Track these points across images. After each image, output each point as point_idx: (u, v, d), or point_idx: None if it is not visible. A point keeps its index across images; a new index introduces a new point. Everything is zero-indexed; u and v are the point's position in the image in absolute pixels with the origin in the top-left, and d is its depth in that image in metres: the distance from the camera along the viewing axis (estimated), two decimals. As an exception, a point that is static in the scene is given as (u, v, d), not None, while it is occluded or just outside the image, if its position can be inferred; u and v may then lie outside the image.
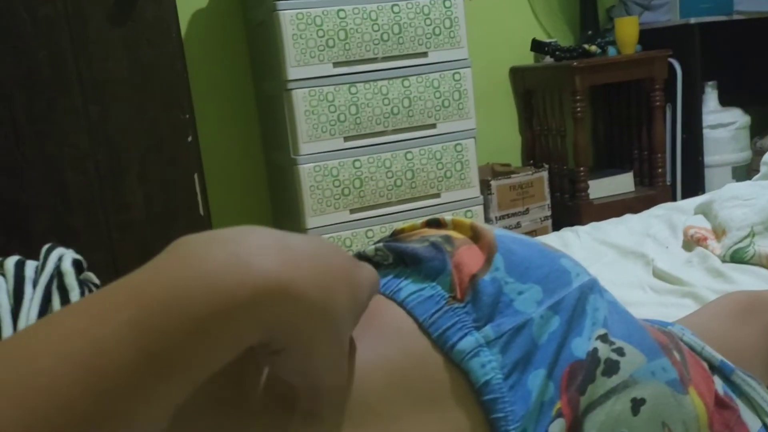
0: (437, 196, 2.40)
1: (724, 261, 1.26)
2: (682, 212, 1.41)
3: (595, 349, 0.51)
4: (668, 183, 2.93)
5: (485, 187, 2.61)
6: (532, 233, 2.75)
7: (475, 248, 0.54)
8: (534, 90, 3.03)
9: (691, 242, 1.30)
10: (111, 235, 2.05)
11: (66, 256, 0.56)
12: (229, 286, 0.31)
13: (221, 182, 2.66)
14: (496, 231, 0.56)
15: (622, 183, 2.94)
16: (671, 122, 2.93)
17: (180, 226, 2.12)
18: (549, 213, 2.80)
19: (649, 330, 0.58)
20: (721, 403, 0.59)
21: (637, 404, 0.50)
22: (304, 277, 0.34)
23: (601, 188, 2.88)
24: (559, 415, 0.48)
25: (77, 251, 1.99)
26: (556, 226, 2.82)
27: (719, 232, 1.32)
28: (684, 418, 0.53)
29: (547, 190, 2.78)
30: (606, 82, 2.87)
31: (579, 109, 2.70)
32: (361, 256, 0.57)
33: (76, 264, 0.57)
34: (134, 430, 0.30)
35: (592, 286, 0.56)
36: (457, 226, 0.58)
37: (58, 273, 0.53)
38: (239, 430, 0.39)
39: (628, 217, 1.45)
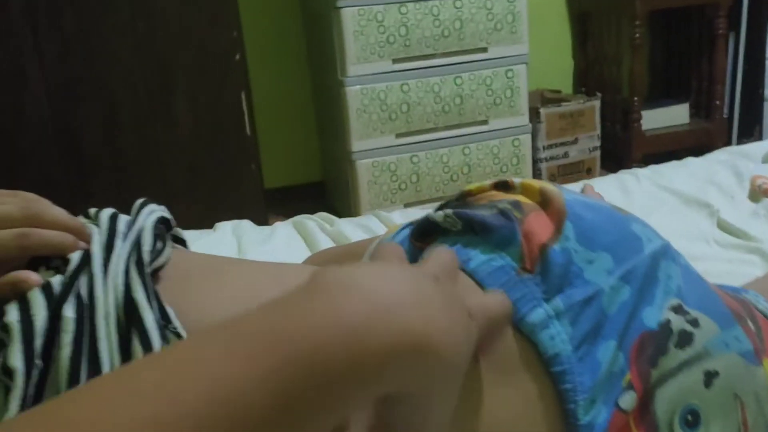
0: (485, 123, 2.36)
1: (794, 216, 1.20)
2: (748, 158, 1.35)
3: (668, 320, 0.50)
4: (725, 116, 2.83)
5: (534, 114, 2.54)
6: (580, 164, 2.69)
7: (544, 215, 0.52)
8: (590, 13, 2.90)
9: (758, 193, 1.25)
10: (159, 154, 2.07)
11: (154, 213, 0.57)
12: (371, 344, 0.32)
13: (268, 101, 2.64)
14: (565, 195, 0.54)
15: (677, 114, 2.85)
16: (733, 52, 2.81)
17: (227, 145, 2.12)
18: (598, 143, 2.72)
19: (722, 297, 0.56)
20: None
21: (710, 377, 0.49)
22: (441, 333, 0.34)
23: (654, 119, 2.79)
24: (630, 387, 0.47)
25: (127, 169, 2.00)
26: (605, 157, 2.75)
27: (789, 185, 1.26)
28: (756, 389, 0.52)
29: (598, 119, 2.70)
30: (667, 7, 2.74)
31: (638, 35, 2.59)
32: (430, 222, 0.56)
33: (165, 221, 0.58)
34: None
35: (665, 252, 0.54)
36: (525, 189, 0.56)
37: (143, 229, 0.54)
38: None
39: (690, 161, 1.40)
